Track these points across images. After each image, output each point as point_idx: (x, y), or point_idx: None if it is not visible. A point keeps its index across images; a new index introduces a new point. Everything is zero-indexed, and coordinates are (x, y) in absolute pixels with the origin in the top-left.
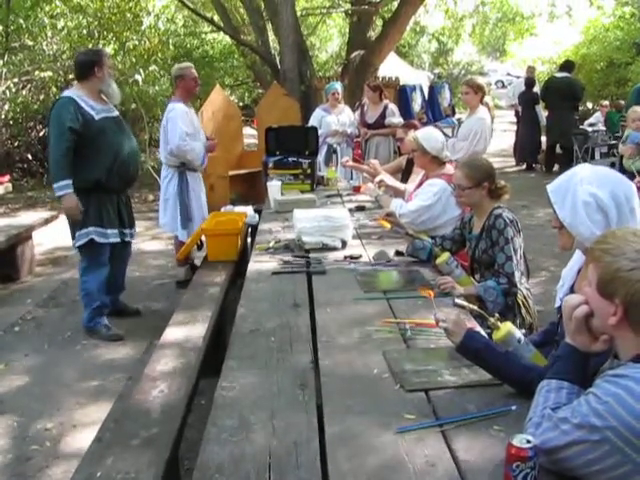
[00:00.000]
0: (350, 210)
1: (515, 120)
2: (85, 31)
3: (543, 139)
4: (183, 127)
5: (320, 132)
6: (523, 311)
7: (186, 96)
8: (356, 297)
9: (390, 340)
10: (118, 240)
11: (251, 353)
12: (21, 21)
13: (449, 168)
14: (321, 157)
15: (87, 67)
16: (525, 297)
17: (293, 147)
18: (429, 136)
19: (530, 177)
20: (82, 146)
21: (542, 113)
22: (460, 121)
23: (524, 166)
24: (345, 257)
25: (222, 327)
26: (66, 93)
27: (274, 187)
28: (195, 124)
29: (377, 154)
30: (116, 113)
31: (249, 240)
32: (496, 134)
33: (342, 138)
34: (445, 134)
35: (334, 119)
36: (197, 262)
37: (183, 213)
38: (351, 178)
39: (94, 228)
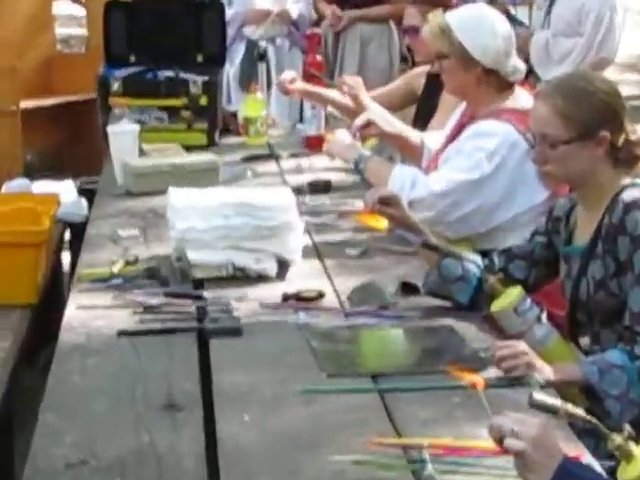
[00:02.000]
0: (298, 191)
1: None
2: None
3: None
4: None
5: (230, 13)
6: None
7: None
8: (308, 388)
9: None
10: None
11: None
12: None
13: (520, 97)
14: (232, 70)
15: None
16: None
17: (167, 46)
18: (475, 23)
19: None
20: None
21: None
22: None
23: None
24: (286, 297)
25: (5, 455)
26: None
27: (124, 137)
28: None
29: (362, 64)
30: None
31: (66, 259)
32: (630, 24)
33: (279, 28)
34: (513, 19)
35: None
36: None
37: None
38: (300, 118)
39: None
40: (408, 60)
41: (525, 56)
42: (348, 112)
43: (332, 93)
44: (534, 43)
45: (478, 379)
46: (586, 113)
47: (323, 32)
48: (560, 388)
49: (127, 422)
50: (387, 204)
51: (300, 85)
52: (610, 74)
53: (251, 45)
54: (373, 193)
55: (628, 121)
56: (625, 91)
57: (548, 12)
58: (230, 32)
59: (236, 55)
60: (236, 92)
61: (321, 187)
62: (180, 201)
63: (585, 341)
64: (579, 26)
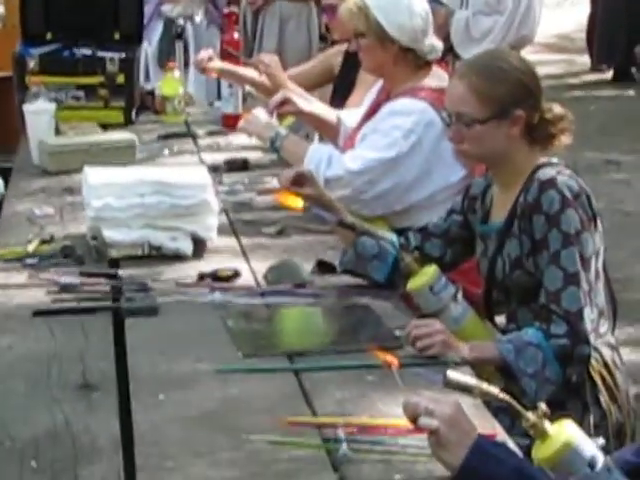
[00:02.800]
0: (215, 170)
1: None
2: None
3: None
4: None
5: None
6: (603, 398)
7: None
8: (224, 368)
9: (303, 465)
10: None
11: None
12: None
13: (437, 76)
14: (150, 48)
15: None
16: (608, 366)
17: (84, 24)
18: (392, 1)
19: (624, 97)
20: None
21: None
22: None
23: (610, 72)
24: (202, 276)
25: None
26: None
27: (40, 116)
28: None
29: (281, 42)
30: None
31: None
32: (548, 4)
33: (197, 6)
34: None
35: None
36: None
37: None
38: (218, 96)
39: None
40: (327, 39)
41: (445, 35)
42: (265, 91)
43: (249, 72)
44: (455, 23)
45: (393, 358)
46: (501, 92)
47: (242, 10)
48: (476, 366)
49: (42, 402)
50: (302, 182)
51: (217, 64)
52: (528, 54)
53: (169, 23)
54: (288, 172)
55: (544, 100)
56: (543, 70)
57: None
58: (148, 10)
59: (154, 33)
60: (155, 70)
61: (238, 165)
62: (96, 179)
63: (501, 319)
64: (498, 5)
